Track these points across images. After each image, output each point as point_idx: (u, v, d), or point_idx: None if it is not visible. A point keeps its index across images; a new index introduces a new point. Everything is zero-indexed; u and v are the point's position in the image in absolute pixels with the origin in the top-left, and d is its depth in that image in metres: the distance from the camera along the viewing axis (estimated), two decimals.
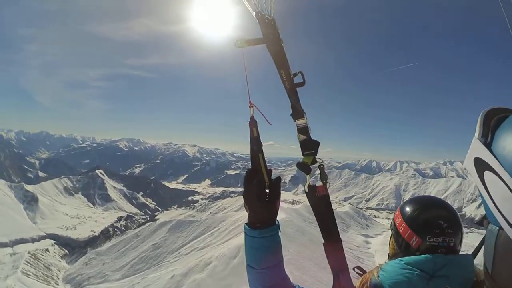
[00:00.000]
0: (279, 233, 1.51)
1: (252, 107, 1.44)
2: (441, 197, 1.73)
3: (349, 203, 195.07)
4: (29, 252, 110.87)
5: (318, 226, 1.52)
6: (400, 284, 1.36)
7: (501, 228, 0.75)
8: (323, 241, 1.55)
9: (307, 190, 1.51)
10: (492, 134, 0.79)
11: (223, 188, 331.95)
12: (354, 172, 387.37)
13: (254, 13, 1.40)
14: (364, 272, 1.68)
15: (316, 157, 1.50)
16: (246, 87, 1.42)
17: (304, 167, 1.48)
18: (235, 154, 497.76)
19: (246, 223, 1.51)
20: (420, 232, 1.58)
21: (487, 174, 0.74)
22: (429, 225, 1.56)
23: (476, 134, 0.81)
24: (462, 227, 1.57)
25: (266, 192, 1.45)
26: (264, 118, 1.48)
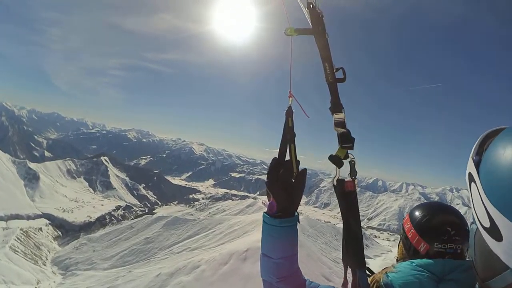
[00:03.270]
0: (298, 225, 1.51)
1: (291, 97, 1.45)
2: None
3: None
4: (21, 229, 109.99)
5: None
6: (410, 284, 1.40)
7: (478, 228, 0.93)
8: (345, 236, 1.54)
9: (335, 183, 1.52)
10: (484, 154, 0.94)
11: (225, 190, 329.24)
12: (359, 189, 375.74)
13: (306, 3, 1.43)
14: (373, 273, 1.71)
15: (348, 152, 1.52)
16: (289, 77, 1.43)
17: (336, 160, 1.48)
18: (241, 158, 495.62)
19: (265, 212, 1.50)
20: (428, 238, 1.63)
21: (472, 185, 0.91)
22: (437, 231, 1.63)
23: (471, 153, 0.97)
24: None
25: (292, 181, 1.46)
26: (302, 110, 1.49)
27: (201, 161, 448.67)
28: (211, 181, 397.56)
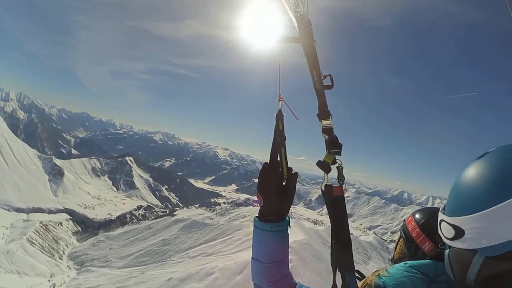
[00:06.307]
0: (288, 229, 1.51)
1: (281, 101, 1.46)
2: None
3: (374, 233, 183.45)
4: (41, 222, 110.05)
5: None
6: (403, 285, 1.42)
7: (450, 247, 1.18)
8: (333, 240, 1.53)
9: (323, 189, 1.52)
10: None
11: (247, 196, 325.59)
12: (383, 201, 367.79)
13: (293, 11, 1.42)
14: (364, 276, 1.73)
15: (336, 158, 1.52)
16: (278, 82, 1.46)
17: (324, 166, 1.49)
18: None
19: (256, 216, 1.50)
20: (433, 238, 1.70)
21: (442, 224, 1.20)
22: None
23: (440, 209, 1.25)
24: None
25: (283, 185, 1.46)
26: (292, 113, 1.50)
27: (224, 166, 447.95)
28: (233, 186, 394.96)
